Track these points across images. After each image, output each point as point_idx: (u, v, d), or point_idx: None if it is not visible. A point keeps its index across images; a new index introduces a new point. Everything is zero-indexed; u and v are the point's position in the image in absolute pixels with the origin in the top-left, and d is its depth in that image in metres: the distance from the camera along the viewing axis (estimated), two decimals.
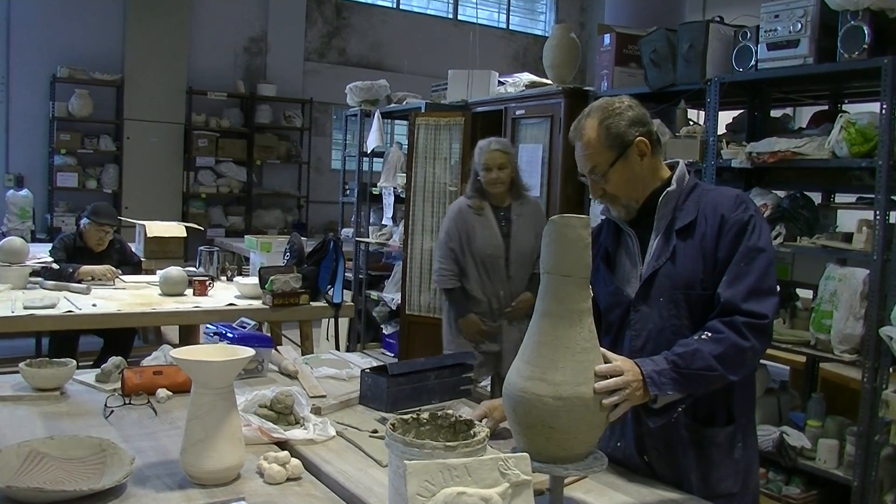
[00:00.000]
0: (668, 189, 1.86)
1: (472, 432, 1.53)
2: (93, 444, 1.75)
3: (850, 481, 3.15)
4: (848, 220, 3.74)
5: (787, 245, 3.40)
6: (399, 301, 5.74)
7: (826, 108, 4.20)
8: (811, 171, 3.74)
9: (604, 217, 1.99)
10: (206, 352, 1.76)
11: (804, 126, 4.09)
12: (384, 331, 6.45)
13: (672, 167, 1.92)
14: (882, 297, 3.05)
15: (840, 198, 4.14)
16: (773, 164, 3.42)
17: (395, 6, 10.43)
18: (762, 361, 3.90)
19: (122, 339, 4.65)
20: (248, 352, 1.75)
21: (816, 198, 3.97)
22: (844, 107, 4.10)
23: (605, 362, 1.60)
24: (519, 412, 1.55)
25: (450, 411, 1.63)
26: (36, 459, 1.69)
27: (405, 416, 1.59)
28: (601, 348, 1.62)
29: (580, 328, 1.57)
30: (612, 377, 1.58)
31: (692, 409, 1.84)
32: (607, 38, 4.37)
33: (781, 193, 3.70)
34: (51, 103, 7.93)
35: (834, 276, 3.19)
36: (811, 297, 3.48)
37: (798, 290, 3.87)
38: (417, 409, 2.21)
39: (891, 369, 3.11)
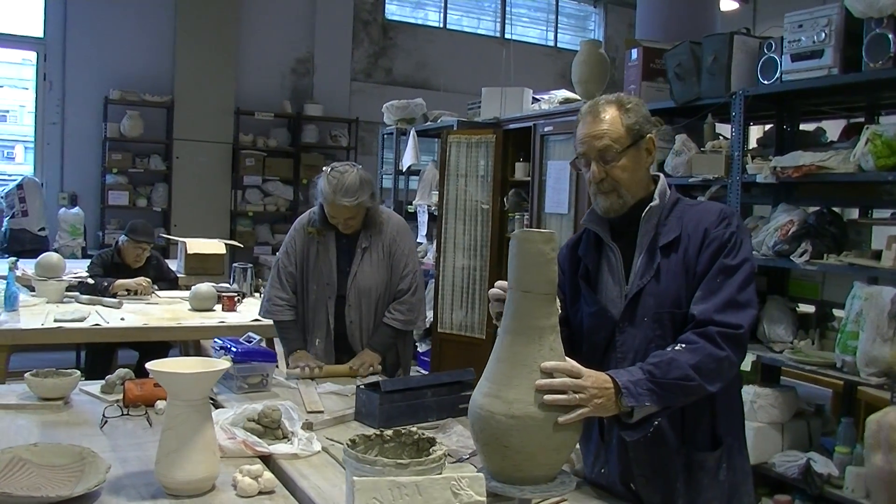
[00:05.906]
0: (651, 204, 1.81)
1: (429, 451, 1.51)
2: (73, 452, 1.79)
3: None
4: (884, 236, 3.58)
5: (813, 262, 3.28)
6: (431, 319, 5.72)
7: (862, 120, 4.06)
8: (841, 185, 3.61)
9: (585, 227, 1.93)
10: (183, 364, 1.78)
11: (836, 139, 3.95)
12: (419, 348, 6.44)
13: (654, 181, 1.87)
14: None
15: (878, 213, 3.97)
16: (798, 178, 3.30)
17: (441, 26, 10.51)
18: (791, 382, 3.77)
19: (156, 352, 4.75)
20: (223, 365, 1.77)
21: (852, 213, 3.83)
22: (881, 119, 3.95)
23: (574, 376, 1.55)
24: (475, 429, 1.54)
25: (414, 429, 1.61)
26: (18, 465, 1.73)
27: (368, 433, 1.58)
28: (570, 360, 1.57)
29: (539, 346, 1.52)
30: (569, 377, 1.52)
31: (681, 434, 1.78)
32: (634, 53, 4.31)
33: (812, 209, 3.57)
34: (103, 124, 8.19)
35: (860, 296, 3.05)
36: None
37: (834, 311, 3.72)
38: (410, 424, 2.19)
39: None
